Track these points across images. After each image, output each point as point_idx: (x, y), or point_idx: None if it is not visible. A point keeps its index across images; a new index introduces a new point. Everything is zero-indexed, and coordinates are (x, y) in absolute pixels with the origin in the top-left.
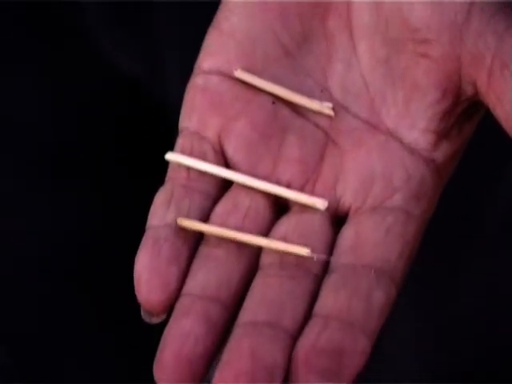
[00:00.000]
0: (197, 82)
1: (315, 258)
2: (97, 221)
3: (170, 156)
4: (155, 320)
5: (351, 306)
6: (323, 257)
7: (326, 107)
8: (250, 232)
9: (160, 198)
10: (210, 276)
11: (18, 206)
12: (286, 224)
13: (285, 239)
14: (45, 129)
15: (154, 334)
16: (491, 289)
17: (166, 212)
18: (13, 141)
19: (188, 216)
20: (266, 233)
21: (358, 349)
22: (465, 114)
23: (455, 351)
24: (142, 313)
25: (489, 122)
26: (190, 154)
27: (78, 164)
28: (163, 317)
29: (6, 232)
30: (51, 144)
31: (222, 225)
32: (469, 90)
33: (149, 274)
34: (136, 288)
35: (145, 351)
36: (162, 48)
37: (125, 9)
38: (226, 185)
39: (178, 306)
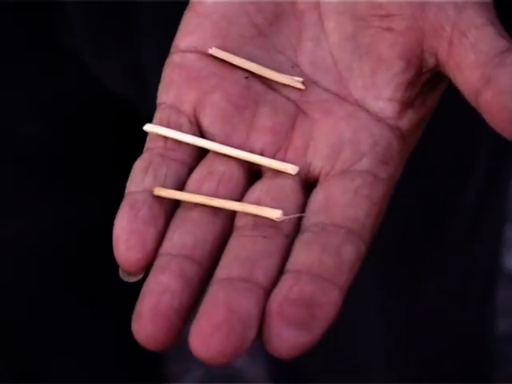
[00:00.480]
0: (174, 59)
1: (286, 220)
2: (95, 221)
3: (148, 127)
4: (132, 279)
5: (322, 261)
6: (294, 217)
7: (296, 81)
8: (224, 197)
9: (138, 165)
10: (185, 236)
11: (17, 206)
12: (258, 189)
13: (258, 203)
14: (44, 140)
15: None
16: (451, 295)
17: (143, 178)
18: (14, 150)
19: (165, 182)
20: (239, 197)
21: (329, 300)
22: (428, 84)
23: (420, 353)
24: (120, 272)
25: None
26: (167, 125)
27: (77, 168)
28: (140, 276)
29: (5, 232)
30: (49, 153)
31: (198, 190)
32: (431, 61)
33: (127, 234)
34: (114, 248)
35: (143, 351)
36: (146, 68)
37: (111, 33)
38: (201, 154)
39: (156, 264)
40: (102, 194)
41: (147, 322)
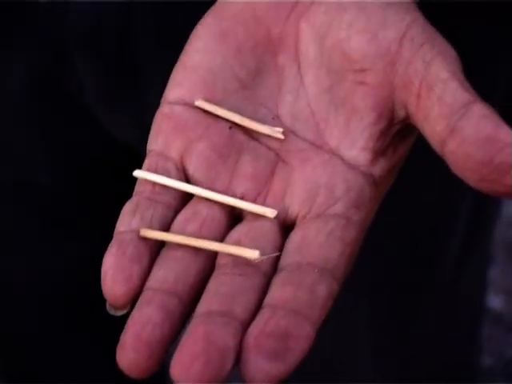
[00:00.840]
0: (163, 110)
1: (264, 260)
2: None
3: (137, 173)
4: (119, 312)
5: (296, 297)
6: (271, 256)
7: (276, 131)
8: (207, 237)
9: (127, 208)
10: (168, 273)
11: (18, 244)
12: (239, 231)
13: (238, 243)
14: (57, 189)
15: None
16: (439, 335)
17: (131, 220)
18: (28, 198)
19: (151, 223)
20: (221, 238)
21: (303, 334)
22: (399, 134)
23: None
24: (107, 306)
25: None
26: (156, 171)
27: (84, 211)
28: (125, 310)
29: (7, 270)
30: (60, 200)
31: (182, 231)
32: (401, 113)
33: (113, 270)
34: (102, 283)
35: None
36: (150, 118)
37: (120, 90)
38: (187, 198)
39: (141, 298)
40: (101, 233)
41: (130, 351)
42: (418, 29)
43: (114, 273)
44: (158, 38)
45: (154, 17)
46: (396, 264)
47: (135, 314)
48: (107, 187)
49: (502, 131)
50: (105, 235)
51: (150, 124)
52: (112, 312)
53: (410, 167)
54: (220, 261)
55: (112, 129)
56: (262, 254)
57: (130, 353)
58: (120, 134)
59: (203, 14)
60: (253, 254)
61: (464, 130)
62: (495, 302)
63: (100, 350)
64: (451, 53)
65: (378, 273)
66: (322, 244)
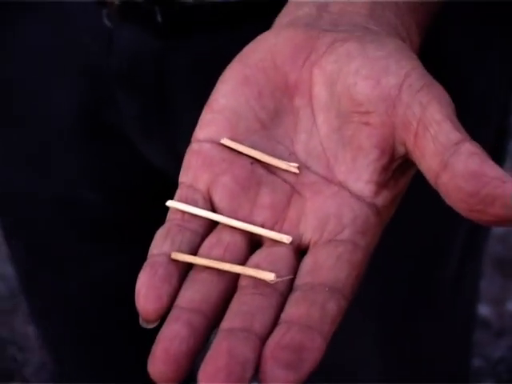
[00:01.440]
0: (193, 147)
1: (280, 281)
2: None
3: (169, 203)
4: (150, 326)
5: (309, 314)
6: (286, 278)
7: (292, 166)
8: (229, 261)
9: (159, 233)
10: (195, 293)
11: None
12: (258, 255)
13: (257, 267)
14: (97, 204)
15: None
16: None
17: (163, 244)
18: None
19: (180, 247)
20: (242, 262)
21: (315, 346)
22: (400, 169)
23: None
24: (140, 320)
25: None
26: (185, 201)
27: (121, 228)
28: (156, 323)
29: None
30: (100, 216)
31: (208, 255)
32: (401, 150)
33: (146, 289)
34: (136, 299)
35: None
36: (181, 147)
37: (154, 121)
38: (212, 226)
39: (170, 315)
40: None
41: (160, 362)
42: (416, 76)
43: (147, 291)
44: (188, 77)
45: (185, 58)
46: (399, 283)
47: (164, 329)
48: (143, 207)
49: (488, 167)
50: (139, 251)
51: (181, 152)
52: (144, 325)
53: (414, 196)
54: (241, 282)
55: (148, 156)
56: (277, 276)
57: (159, 364)
58: (155, 160)
59: (228, 58)
60: (269, 276)
61: (455, 165)
62: (484, 310)
63: (133, 354)
64: (445, 97)
65: (382, 291)
66: (331, 266)
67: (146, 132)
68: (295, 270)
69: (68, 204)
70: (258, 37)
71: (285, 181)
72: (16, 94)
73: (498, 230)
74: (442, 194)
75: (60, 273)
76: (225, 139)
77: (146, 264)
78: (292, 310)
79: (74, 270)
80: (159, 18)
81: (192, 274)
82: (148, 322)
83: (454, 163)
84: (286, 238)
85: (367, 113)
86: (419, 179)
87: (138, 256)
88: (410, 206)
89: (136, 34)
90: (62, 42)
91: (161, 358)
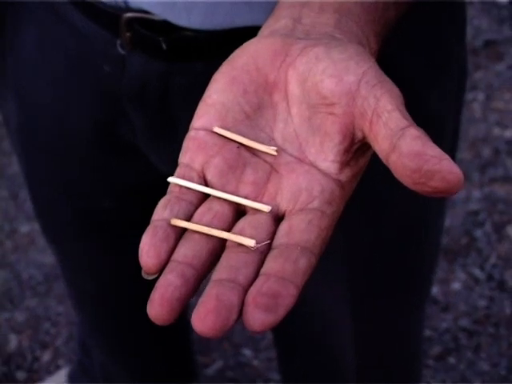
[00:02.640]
0: (190, 134)
1: (257, 246)
2: None
3: (170, 179)
4: (150, 277)
5: (284, 268)
6: (264, 244)
7: (271, 149)
8: (218, 226)
9: (160, 203)
10: (188, 250)
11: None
12: (243, 221)
13: (242, 231)
14: (116, 211)
15: None
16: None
17: (163, 212)
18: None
19: (177, 215)
20: (229, 227)
21: (289, 293)
22: (359, 150)
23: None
24: (143, 273)
25: None
26: (183, 177)
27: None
28: (155, 275)
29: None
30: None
31: (199, 221)
32: (359, 135)
33: (148, 247)
34: (139, 256)
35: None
36: None
37: (161, 132)
38: (204, 198)
39: (166, 268)
40: None
41: (156, 305)
42: (372, 74)
43: (148, 249)
44: (188, 95)
45: (186, 79)
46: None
47: (161, 279)
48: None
49: (429, 147)
50: None
51: None
52: (145, 277)
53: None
54: (229, 244)
55: (157, 165)
56: (257, 242)
57: (156, 307)
58: (163, 168)
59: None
60: (250, 242)
61: (401, 146)
62: (432, 289)
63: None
64: (396, 91)
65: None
66: (303, 229)
67: (154, 143)
68: (273, 234)
69: (85, 213)
70: (243, 44)
71: (265, 161)
72: (40, 115)
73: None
74: (392, 171)
75: (81, 271)
76: (216, 127)
77: (148, 227)
78: (270, 264)
79: (92, 270)
80: (164, 47)
81: (186, 236)
82: (148, 274)
83: (401, 145)
84: (266, 208)
85: (332, 104)
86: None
87: None
88: (374, 187)
89: (145, 60)
90: (80, 66)
91: (157, 302)
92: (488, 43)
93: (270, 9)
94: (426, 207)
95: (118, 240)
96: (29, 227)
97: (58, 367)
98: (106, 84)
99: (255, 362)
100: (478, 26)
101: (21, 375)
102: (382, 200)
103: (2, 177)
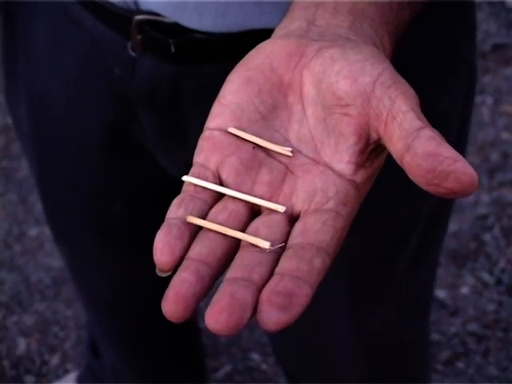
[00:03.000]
0: (205, 134)
1: (272, 249)
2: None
3: (185, 178)
4: (164, 274)
5: (299, 267)
6: (279, 246)
7: (287, 150)
8: (232, 225)
9: (175, 202)
10: (202, 248)
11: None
12: (257, 221)
13: (256, 231)
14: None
15: None
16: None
17: (178, 210)
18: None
19: (191, 213)
20: (244, 226)
21: (303, 293)
22: (374, 151)
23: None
24: (157, 270)
25: None
26: (198, 177)
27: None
28: (169, 273)
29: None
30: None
31: (214, 220)
32: (374, 136)
33: (162, 244)
34: (154, 253)
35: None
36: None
37: (171, 134)
38: (219, 197)
39: (181, 265)
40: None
41: (171, 302)
42: (387, 75)
43: (163, 246)
44: (198, 96)
45: (195, 81)
46: (364, 264)
47: (176, 276)
48: (162, 211)
49: (443, 148)
50: None
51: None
52: (159, 274)
53: (382, 184)
54: (243, 243)
55: (167, 167)
56: (272, 242)
57: (171, 304)
58: (172, 171)
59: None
60: (265, 244)
61: (416, 147)
62: (441, 293)
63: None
64: (411, 92)
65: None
66: (318, 230)
67: (163, 144)
68: (287, 235)
69: (96, 214)
70: (258, 45)
71: (280, 162)
72: (51, 116)
73: (452, 228)
74: (406, 171)
75: (93, 273)
76: (231, 128)
77: (163, 225)
78: (285, 264)
79: (105, 271)
80: (173, 49)
81: (201, 234)
82: (162, 271)
83: (416, 145)
84: (281, 208)
85: (347, 105)
86: (386, 169)
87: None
88: (378, 191)
89: (155, 62)
90: (91, 67)
91: (172, 299)
92: (496, 47)
93: (280, 11)
94: (428, 210)
95: (129, 241)
96: (37, 231)
97: (66, 371)
98: (116, 86)
99: (264, 366)
100: (487, 29)
101: (29, 379)
102: (384, 203)
103: (11, 181)
